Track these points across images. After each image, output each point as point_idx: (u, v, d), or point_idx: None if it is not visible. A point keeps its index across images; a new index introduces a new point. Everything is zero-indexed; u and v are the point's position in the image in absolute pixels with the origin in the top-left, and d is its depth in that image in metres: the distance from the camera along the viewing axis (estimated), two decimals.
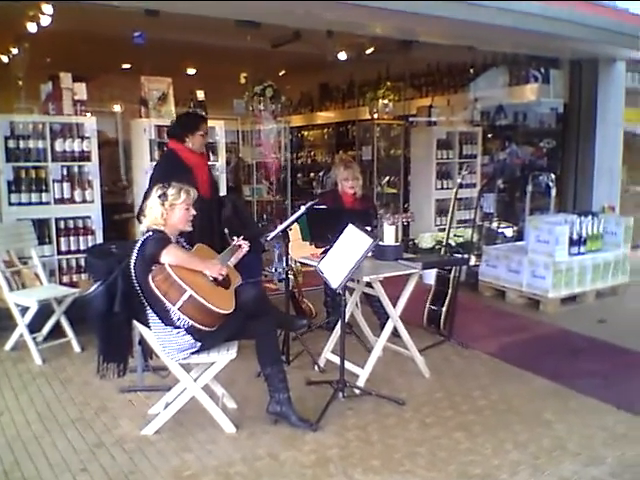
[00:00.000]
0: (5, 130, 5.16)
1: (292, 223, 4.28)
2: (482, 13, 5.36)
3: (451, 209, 5.27)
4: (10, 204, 5.14)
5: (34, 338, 4.50)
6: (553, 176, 6.69)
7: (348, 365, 3.83)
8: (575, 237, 5.80)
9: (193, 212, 3.37)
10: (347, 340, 3.80)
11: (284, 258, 4.44)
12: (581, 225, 5.86)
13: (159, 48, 6.21)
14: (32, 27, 5.69)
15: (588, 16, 6.09)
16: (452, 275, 4.94)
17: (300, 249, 4.37)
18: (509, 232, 7.16)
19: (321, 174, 10.31)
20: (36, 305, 4.38)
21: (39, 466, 3.02)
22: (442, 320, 4.90)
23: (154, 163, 5.62)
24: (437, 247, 6.18)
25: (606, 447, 3.23)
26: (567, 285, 5.77)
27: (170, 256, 3.11)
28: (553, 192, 6.51)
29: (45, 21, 5.57)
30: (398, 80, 9.38)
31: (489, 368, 4.34)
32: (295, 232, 4.42)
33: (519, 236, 6.97)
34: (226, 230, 4.52)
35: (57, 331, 4.68)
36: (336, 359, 3.90)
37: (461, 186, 5.71)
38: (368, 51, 7.58)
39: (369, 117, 9.35)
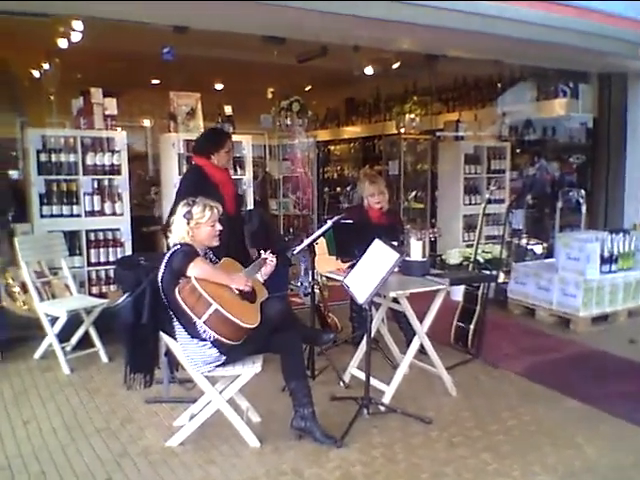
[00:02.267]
0: (37, 144, 5.28)
1: (318, 237, 4.27)
2: (511, 27, 5.33)
3: (479, 225, 5.20)
4: (42, 216, 5.25)
5: (63, 348, 4.55)
6: (583, 192, 6.60)
7: (373, 381, 3.78)
8: (606, 255, 5.68)
9: (219, 227, 3.39)
10: (373, 356, 3.77)
11: (310, 272, 4.43)
12: (612, 242, 5.74)
13: (188, 64, 6.30)
14: (63, 43, 5.80)
15: (618, 29, 6.02)
16: (480, 292, 4.87)
17: (326, 263, 4.36)
18: (538, 249, 7.06)
19: (348, 188, 10.31)
20: (65, 315, 4.43)
21: (65, 476, 3.04)
22: (470, 338, 4.83)
23: (181, 177, 5.71)
24: (465, 263, 6.12)
25: (637, 471, 3.14)
26: (598, 304, 5.66)
27: (197, 269, 3.12)
28: (583, 208, 6.42)
29: (75, 37, 5.68)
30: (425, 94, 9.37)
31: (518, 388, 4.25)
32: (321, 246, 4.41)
33: (549, 253, 6.87)
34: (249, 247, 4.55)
35: (85, 341, 4.73)
36: (361, 375, 3.86)
37: (489, 201, 5.66)
38: (394, 66, 7.57)
39: (396, 132, 9.34)
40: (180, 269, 3.14)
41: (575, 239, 5.76)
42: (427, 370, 4.17)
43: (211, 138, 4.66)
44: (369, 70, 7.71)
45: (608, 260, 5.69)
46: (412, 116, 9.20)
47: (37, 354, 4.64)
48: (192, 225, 3.27)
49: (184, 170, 5.79)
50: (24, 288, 4.81)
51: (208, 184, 4.29)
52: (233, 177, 5.18)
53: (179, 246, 3.25)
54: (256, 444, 3.33)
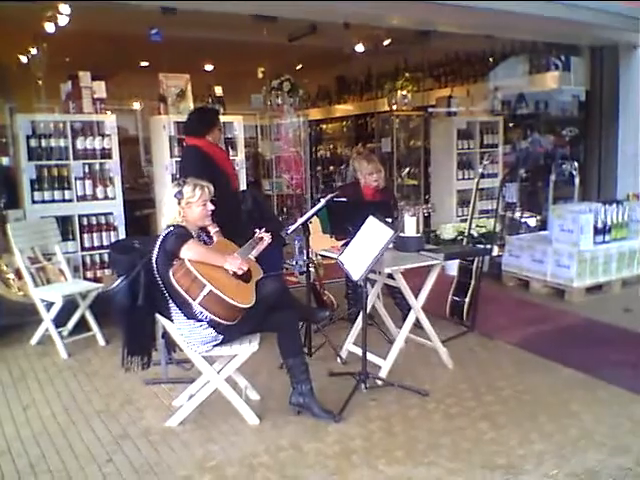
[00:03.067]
0: (27, 129, 5.25)
1: (312, 216, 4.28)
2: (502, 1, 5.30)
3: (473, 199, 5.21)
4: (33, 202, 5.24)
5: (59, 332, 4.56)
6: (576, 164, 6.59)
7: (370, 357, 3.81)
8: (600, 226, 5.71)
9: (211, 207, 3.37)
10: (369, 332, 3.79)
11: (305, 251, 4.44)
12: (606, 213, 5.77)
13: (176, 45, 6.25)
14: (50, 27, 5.75)
15: (608, 2, 5.98)
16: (475, 266, 4.90)
17: (321, 242, 4.37)
18: (532, 222, 7.08)
19: (342, 167, 10.27)
20: (61, 300, 4.43)
21: (65, 458, 3.06)
22: (465, 311, 4.86)
23: (174, 160, 5.69)
24: (459, 238, 6.14)
25: (633, 436, 3.17)
26: (592, 274, 5.69)
27: (190, 251, 3.12)
28: (577, 181, 6.42)
29: (63, 21, 5.63)
30: (416, 71, 9.32)
31: (514, 359, 4.29)
32: (315, 225, 4.41)
33: (542, 226, 6.89)
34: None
35: (82, 325, 4.73)
36: (358, 351, 3.89)
37: (483, 176, 5.66)
38: (385, 42, 7.54)
39: (388, 109, 9.30)
40: (173, 251, 3.14)
41: (568, 211, 5.77)
42: (423, 344, 4.20)
43: (203, 116, 4.64)
44: (360, 47, 7.68)
45: (601, 231, 5.73)
46: (404, 93, 9.16)
47: (34, 340, 4.65)
48: (183, 205, 3.26)
49: (176, 152, 5.78)
50: (18, 274, 4.80)
51: (211, 164, 4.29)
52: None
53: (172, 228, 3.24)
54: (255, 421, 3.36)
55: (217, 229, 3.52)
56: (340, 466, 2.95)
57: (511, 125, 8.60)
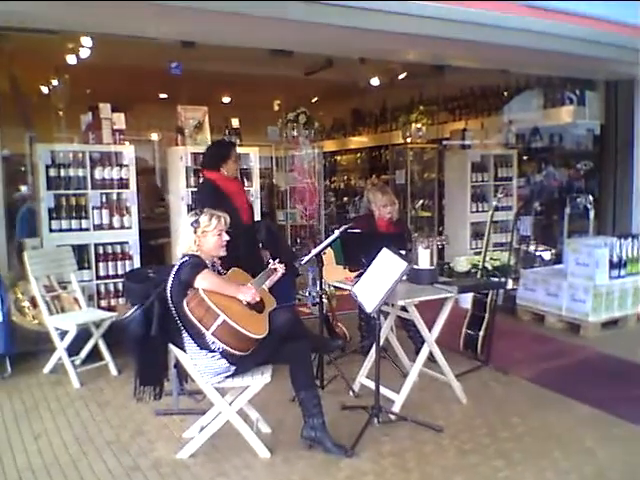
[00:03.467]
0: (46, 159, 5.33)
1: (326, 247, 4.29)
2: (518, 37, 5.35)
3: (487, 232, 5.20)
4: (51, 230, 5.29)
5: (72, 361, 4.56)
6: (591, 198, 6.57)
7: (383, 390, 3.77)
8: (615, 260, 5.67)
9: (226, 237, 3.40)
10: (382, 365, 3.75)
11: (318, 282, 4.44)
12: (621, 247, 5.73)
13: (195, 78, 6.36)
14: (71, 59, 5.88)
15: (623, 37, 6.02)
16: (489, 299, 4.86)
17: (334, 273, 4.37)
18: (547, 255, 7.04)
19: (356, 198, 10.31)
20: (75, 329, 4.44)
21: None
22: (479, 345, 4.81)
23: (190, 190, 5.76)
24: (473, 271, 6.11)
25: None
26: (607, 309, 5.63)
27: (204, 281, 3.14)
28: (591, 214, 6.40)
29: (84, 53, 5.76)
30: (431, 104, 9.40)
31: (528, 394, 4.24)
32: (329, 256, 4.42)
33: (557, 259, 6.85)
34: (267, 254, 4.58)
35: (95, 354, 4.74)
36: (371, 384, 3.85)
37: (497, 209, 5.66)
38: (401, 76, 7.62)
39: (402, 141, 9.37)
40: (188, 281, 3.15)
41: (584, 245, 5.74)
42: (437, 378, 4.16)
43: (218, 150, 4.70)
44: (375, 81, 7.77)
45: (617, 265, 5.68)
46: (418, 125, 9.25)
47: (47, 368, 4.65)
48: (199, 234, 3.29)
49: (192, 183, 5.85)
50: (33, 302, 4.83)
51: (222, 197, 4.35)
52: None
53: (187, 258, 3.26)
54: (266, 455, 3.32)
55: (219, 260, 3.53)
56: None
57: (525, 158, 8.62)
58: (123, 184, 5.57)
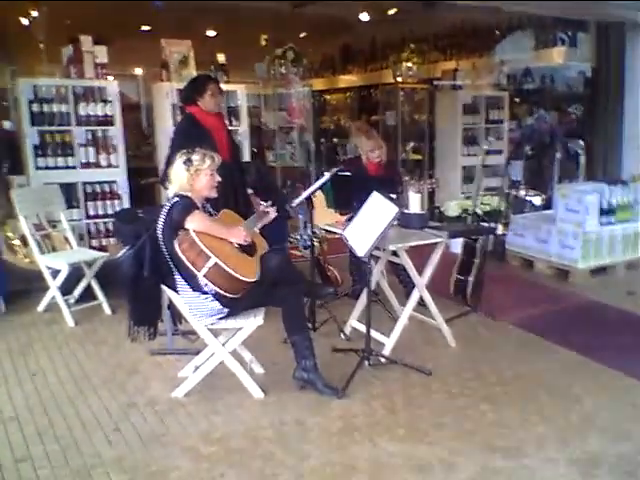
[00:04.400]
0: (29, 94, 5.18)
1: (316, 190, 4.25)
2: None
3: (478, 176, 5.18)
4: (37, 168, 5.19)
5: (66, 300, 4.56)
6: (582, 143, 6.55)
7: (374, 334, 3.82)
8: (605, 206, 5.68)
9: (218, 178, 3.35)
10: (373, 309, 3.80)
11: (309, 225, 4.41)
12: (611, 194, 5.73)
13: (179, 10, 6.13)
14: None
15: None
16: (479, 244, 4.88)
17: (325, 216, 4.35)
18: (537, 200, 7.03)
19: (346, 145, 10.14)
20: (67, 268, 4.43)
21: (72, 426, 3.09)
22: (469, 290, 4.85)
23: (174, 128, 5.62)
24: (463, 215, 6.11)
25: (634, 423, 3.18)
26: (597, 256, 5.67)
27: (195, 222, 3.11)
28: (582, 159, 6.38)
29: None
30: (422, 42, 9.20)
31: (516, 340, 4.30)
32: (320, 199, 4.38)
33: (548, 204, 6.86)
34: (250, 191, 4.50)
35: (88, 294, 4.74)
36: (362, 327, 3.90)
37: (488, 153, 5.61)
38: (391, 12, 7.42)
39: (393, 81, 9.20)
40: (178, 222, 3.12)
41: (574, 191, 5.74)
42: (426, 322, 4.22)
43: (194, 84, 4.55)
44: (364, 16, 7.55)
45: (607, 212, 5.69)
46: (409, 64, 9.07)
47: (41, 307, 4.66)
48: (192, 172, 3.23)
49: (178, 119, 5.71)
50: (24, 241, 4.79)
51: (199, 131, 4.21)
52: (230, 128, 5.09)
53: (178, 198, 3.21)
54: (259, 395, 3.38)
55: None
56: (342, 442, 2.98)
57: (517, 101, 8.53)
58: (108, 121, 5.45)
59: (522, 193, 6.99)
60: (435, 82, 8.86)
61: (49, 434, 3.02)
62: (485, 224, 5.51)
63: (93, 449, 2.89)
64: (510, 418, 3.22)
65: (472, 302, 4.82)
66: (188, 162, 3.24)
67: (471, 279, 4.81)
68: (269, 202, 3.71)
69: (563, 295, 5.31)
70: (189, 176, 3.23)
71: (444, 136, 7.99)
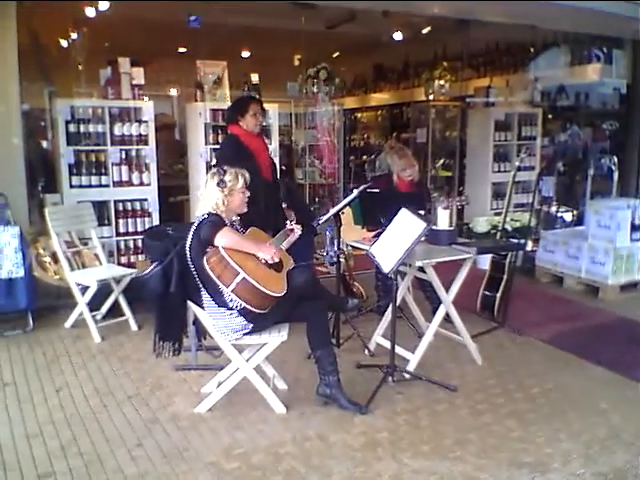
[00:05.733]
0: (66, 114, 5.33)
1: (344, 207, 4.26)
2: None
3: (508, 192, 5.14)
4: (71, 186, 5.32)
5: (93, 316, 4.64)
6: (616, 159, 6.44)
7: (399, 350, 3.80)
8: (637, 222, 5.58)
9: (247, 194, 3.40)
10: (398, 325, 3.78)
11: (336, 241, 4.43)
12: None
13: (214, 32, 6.26)
14: (91, 12, 5.82)
15: None
16: (508, 260, 4.83)
17: (352, 233, 4.36)
18: (568, 217, 6.95)
19: (373, 156, 10.17)
20: (96, 284, 4.51)
21: (96, 441, 3.12)
22: (496, 306, 4.80)
23: (209, 147, 5.74)
24: (493, 232, 6.05)
25: None
26: (627, 272, 5.58)
27: (224, 239, 3.14)
28: (615, 176, 6.28)
29: (103, 6, 5.69)
30: (455, 60, 9.17)
31: (544, 356, 4.25)
32: (347, 216, 4.40)
33: (579, 221, 6.76)
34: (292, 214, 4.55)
35: (115, 310, 4.82)
36: (386, 343, 3.88)
37: (519, 169, 5.56)
38: (424, 31, 7.44)
39: (424, 98, 9.20)
40: (208, 238, 3.16)
41: (606, 206, 5.66)
42: (452, 338, 4.18)
43: (236, 104, 4.67)
44: (398, 35, 7.59)
45: (639, 228, 5.59)
46: (441, 82, 9.04)
47: (68, 323, 4.74)
48: (226, 193, 3.28)
49: (211, 140, 5.83)
50: (55, 258, 4.90)
51: (245, 153, 4.31)
52: None
53: (207, 216, 3.26)
54: (282, 410, 3.39)
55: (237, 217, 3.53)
56: (365, 458, 2.96)
57: (550, 117, 8.43)
58: (142, 140, 5.57)
59: (553, 209, 6.90)
60: (468, 99, 8.81)
61: (73, 449, 3.04)
62: (514, 240, 5.44)
63: (116, 464, 2.91)
64: (536, 434, 3.18)
65: (499, 318, 4.77)
66: (222, 183, 3.28)
67: (498, 295, 4.76)
68: (294, 219, 3.74)
69: (592, 311, 5.23)
70: (223, 197, 3.28)
71: (475, 153, 7.94)
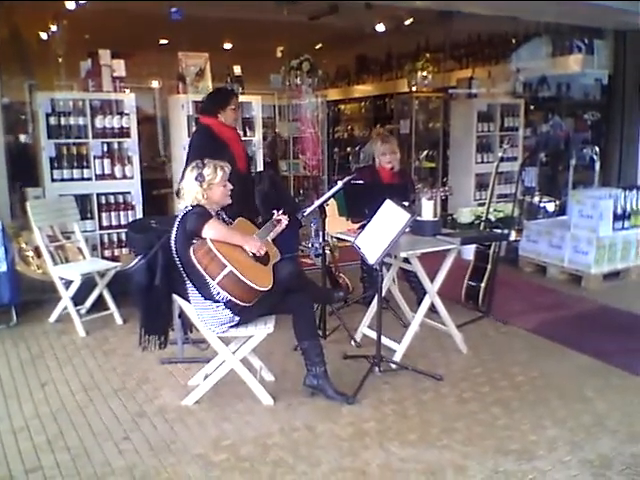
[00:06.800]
0: (46, 107, 5.26)
1: (329, 198, 4.26)
2: None
3: (491, 183, 5.17)
4: (53, 180, 5.27)
5: (78, 311, 4.60)
6: (597, 149, 6.50)
7: (385, 340, 3.82)
8: (619, 212, 5.65)
9: (230, 186, 3.37)
10: (384, 315, 3.81)
11: (321, 233, 4.43)
12: (625, 199, 5.70)
13: (196, 23, 6.20)
14: (70, 4, 5.75)
15: None
16: (491, 250, 4.87)
17: (337, 224, 4.35)
18: (551, 207, 7.01)
19: (357, 148, 10.19)
20: (79, 278, 4.48)
21: (83, 435, 3.10)
22: (481, 296, 4.84)
23: (190, 138, 5.69)
24: (476, 222, 6.10)
25: None
26: (610, 261, 5.65)
27: (212, 231, 3.13)
28: (597, 166, 6.35)
29: None
30: (437, 51, 9.18)
31: (528, 344, 4.29)
32: (332, 207, 4.40)
33: (561, 211, 6.83)
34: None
35: (100, 304, 4.78)
36: (373, 334, 3.90)
37: (502, 160, 5.59)
38: (407, 22, 7.44)
39: (407, 90, 9.20)
40: (194, 230, 3.14)
41: (588, 196, 5.72)
42: (438, 328, 4.21)
43: (217, 97, 4.62)
44: (380, 27, 7.58)
45: (621, 217, 5.67)
46: (424, 74, 9.04)
47: (52, 317, 4.71)
48: (205, 187, 3.25)
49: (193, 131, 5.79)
50: (37, 252, 4.86)
51: (218, 143, 4.27)
52: (243, 139, 5.14)
53: (191, 207, 3.24)
54: (269, 402, 3.39)
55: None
56: (353, 447, 2.98)
57: (532, 108, 8.48)
58: (124, 133, 5.52)
59: (536, 199, 6.96)
60: (450, 90, 8.83)
61: (59, 443, 3.03)
62: (498, 231, 5.48)
63: (104, 458, 2.90)
64: (521, 422, 3.21)
65: (483, 308, 4.81)
66: (200, 177, 3.23)
67: (483, 285, 4.80)
68: (281, 211, 3.74)
69: (575, 300, 5.29)
70: (202, 191, 3.24)
71: (458, 144, 7.97)
